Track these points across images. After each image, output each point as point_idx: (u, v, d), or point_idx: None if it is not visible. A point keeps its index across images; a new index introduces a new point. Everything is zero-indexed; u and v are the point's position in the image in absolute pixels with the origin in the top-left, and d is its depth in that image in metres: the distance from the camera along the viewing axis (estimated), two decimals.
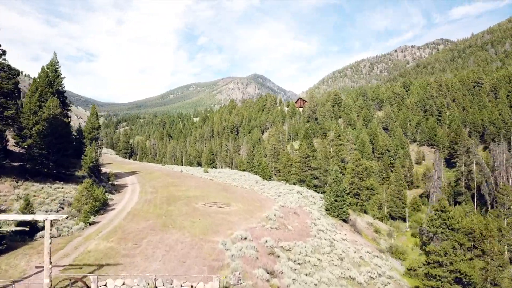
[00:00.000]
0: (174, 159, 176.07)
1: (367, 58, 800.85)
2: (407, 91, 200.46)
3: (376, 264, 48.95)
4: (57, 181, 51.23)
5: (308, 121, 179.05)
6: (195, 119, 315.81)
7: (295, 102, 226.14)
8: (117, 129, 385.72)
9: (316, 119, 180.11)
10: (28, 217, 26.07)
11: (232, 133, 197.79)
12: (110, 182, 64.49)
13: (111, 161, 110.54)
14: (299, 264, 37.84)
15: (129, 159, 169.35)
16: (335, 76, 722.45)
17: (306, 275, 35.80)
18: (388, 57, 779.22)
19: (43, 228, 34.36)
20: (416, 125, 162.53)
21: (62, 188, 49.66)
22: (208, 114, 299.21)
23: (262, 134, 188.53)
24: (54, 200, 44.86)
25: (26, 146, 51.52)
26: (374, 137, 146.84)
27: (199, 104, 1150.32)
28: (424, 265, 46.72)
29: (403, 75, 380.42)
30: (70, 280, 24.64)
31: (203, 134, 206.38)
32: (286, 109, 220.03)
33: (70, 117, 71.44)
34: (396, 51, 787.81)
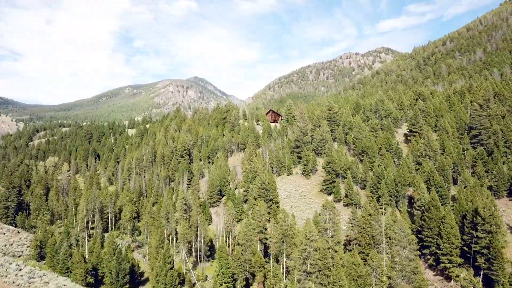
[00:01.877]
0: (92, 216, 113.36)
1: (313, 64, 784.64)
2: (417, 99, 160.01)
3: None
4: None
5: (298, 147, 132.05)
6: (130, 132, 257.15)
7: (266, 115, 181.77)
8: (31, 141, 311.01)
9: (309, 142, 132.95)
10: None
11: (183, 157, 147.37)
12: None
13: None
14: None
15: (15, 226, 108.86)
16: (281, 82, 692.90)
17: None
18: (333, 63, 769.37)
19: None
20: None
21: None
22: (147, 126, 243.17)
23: (226, 160, 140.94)
24: None
25: None
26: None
27: (135, 107, 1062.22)
28: None
29: (363, 83, 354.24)
30: None
31: (141, 159, 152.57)
32: (258, 126, 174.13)
33: None
34: (341, 57, 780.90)
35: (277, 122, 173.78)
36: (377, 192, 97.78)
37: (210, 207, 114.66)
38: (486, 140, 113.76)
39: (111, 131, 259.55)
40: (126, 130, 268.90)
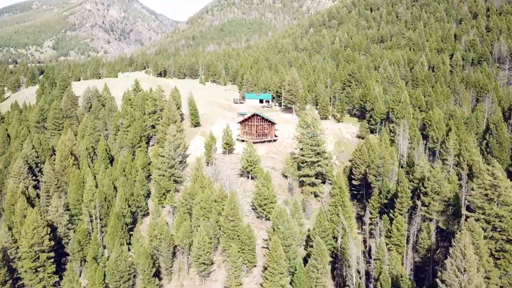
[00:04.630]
0: None
1: None
2: None
3: None
4: None
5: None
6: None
7: (242, 125, 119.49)
8: None
9: None
10: None
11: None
12: None
13: None
14: None
15: None
16: (221, 4, 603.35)
17: None
18: None
19: None
20: None
21: None
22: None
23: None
24: None
25: None
26: None
27: (44, 28, 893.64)
28: None
29: (338, 18, 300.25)
30: None
31: None
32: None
33: None
34: None
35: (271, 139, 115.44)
36: None
37: None
38: None
39: None
40: None
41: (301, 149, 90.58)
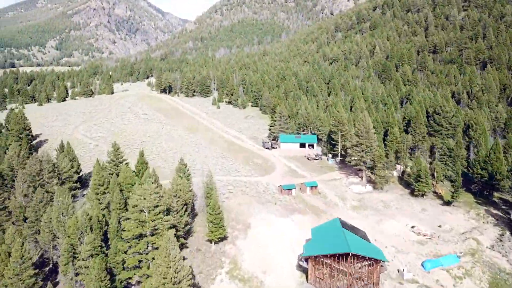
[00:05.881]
0: None
1: None
2: None
3: None
4: None
5: None
6: None
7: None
8: None
9: None
10: None
11: None
12: None
13: None
14: None
15: None
16: (230, 3, 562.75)
17: None
18: None
19: None
20: None
21: None
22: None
23: None
24: None
25: None
26: None
27: (48, 28, 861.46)
28: None
29: (373, 21, 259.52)
30: None
31: None
32: None
33: None
34: None
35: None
36: None
37: None
38: None
39: None
40: None
41: None
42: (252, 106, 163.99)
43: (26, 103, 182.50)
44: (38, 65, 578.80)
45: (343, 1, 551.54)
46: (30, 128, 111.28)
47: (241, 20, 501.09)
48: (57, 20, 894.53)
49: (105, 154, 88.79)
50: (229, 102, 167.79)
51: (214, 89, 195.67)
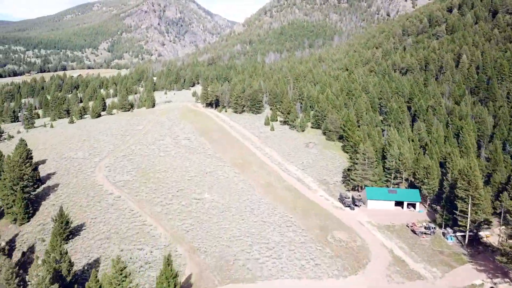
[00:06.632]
0: None
1: None
2: None
3: None
4: None
5: None
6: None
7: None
8: None
9: None
10: None
11: None
12: None
13: None
14: None
15: None
16: (280, 5, 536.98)
17: None
18: None
19: None
20: None
21: None
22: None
23: None
24: None
25: None
26: None
27: (102, 30, 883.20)
28: None
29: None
30: None
31: None
32: None
33: None
34: None
35: None
36: None
37: None
38: None
39: None
40: None
41: None
42: (312, 127, 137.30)
43: (60, 118, 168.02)
44: (89, 67, 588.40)
45: (400, 1, 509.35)
46: (31, 176, 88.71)
47: (291, 22, 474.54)
48: (110, 23, 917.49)
49: (126, 214, 66.33)
50: (285, 122, 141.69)
51: (265, 102, 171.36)
